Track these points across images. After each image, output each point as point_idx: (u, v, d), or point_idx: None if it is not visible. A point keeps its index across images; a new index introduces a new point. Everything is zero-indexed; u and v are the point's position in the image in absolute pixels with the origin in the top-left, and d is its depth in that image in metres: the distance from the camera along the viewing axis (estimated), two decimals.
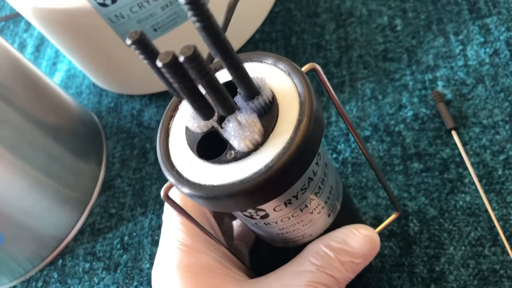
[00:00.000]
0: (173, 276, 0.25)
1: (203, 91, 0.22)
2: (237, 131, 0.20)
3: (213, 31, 0.17)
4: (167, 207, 0.29)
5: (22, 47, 0.64)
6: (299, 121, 0.20)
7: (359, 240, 0.26)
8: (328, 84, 0.24)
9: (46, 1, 0.42)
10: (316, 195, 0.25)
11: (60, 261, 0.45)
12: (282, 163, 0.20)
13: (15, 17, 0.67)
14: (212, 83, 0.18)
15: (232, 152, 0.21)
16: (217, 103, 0.19)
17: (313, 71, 0.23)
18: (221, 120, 0.21)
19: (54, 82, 0.53)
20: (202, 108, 0.19)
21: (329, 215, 0.27)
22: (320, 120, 0.21)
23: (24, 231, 0.44)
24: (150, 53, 0.19)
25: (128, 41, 0.19)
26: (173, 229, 0.27)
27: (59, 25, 0.45)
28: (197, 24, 0.17)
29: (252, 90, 0.20)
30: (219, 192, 0.20)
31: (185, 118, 0.23)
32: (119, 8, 0.41)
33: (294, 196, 0.23)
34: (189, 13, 0.17)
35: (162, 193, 0.23)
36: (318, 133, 0.21)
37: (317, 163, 0.24)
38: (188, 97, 0.19)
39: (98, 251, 0.44)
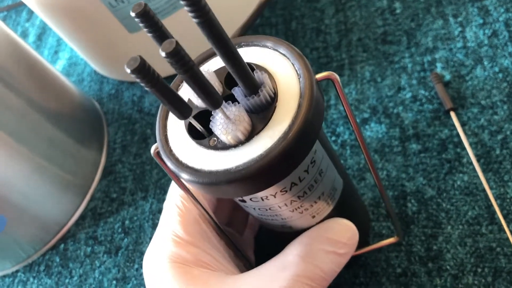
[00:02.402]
0: (163, 266, 0.26)
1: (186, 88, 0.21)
2: (221, 123, 0.20)
3: (211, 27, 0.17)
4: (169, 195, 0.29)
5: (24, 36, 0.64)
6: (290, 126, 0.20)
7: (341, 230, 0.26)
8: (345, 96, 0.23)
9: None
10: (299, 198, 0.24)
11: (62, 245, 0.46)
12: (251, 171, 0.19)
13: (17, 6, 0.67)
14: (195, 78, 0.18)
15: (215, 139, 0.21)
16: (201, 97, 0.19)
17: (329, 80, 0.22)
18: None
19: (56, 69, 0.53)
20: (178, 109, 0.19)
21: (313, 216, 0.26)
22: (313, 130, 0.20)
23: (26, 216, 0.44)
24: (154, 26, 0.19)
25: (132, 14, 0.18)
26: (170, 219, 0.27)
27: (60, 10, 0.45)
28: (195, 20, 0.17)
29: (251, 87, 0.20)
30: (191, 176, 0.21)
31: (188, 94, 0.23)
32: None
33: (272, 195, 0.23)
34: (187, 9, 0.16)
35: (152, 151, 0.23)
36: (306, 146, 0.21)
37: (306, 171, 0.23)
38: (162, 100, 0.18)
39: (100, 235, 0.45)
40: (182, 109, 0.19)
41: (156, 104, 0.50)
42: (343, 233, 0.26)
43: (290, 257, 0.25)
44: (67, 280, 0.43)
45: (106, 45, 0.48)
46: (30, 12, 0.66)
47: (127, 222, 0.44)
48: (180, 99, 0.19)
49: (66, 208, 0.47)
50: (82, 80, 0.56)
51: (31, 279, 0.45)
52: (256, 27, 0.49)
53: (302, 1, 0.49)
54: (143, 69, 0.17)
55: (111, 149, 0.49)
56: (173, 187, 0.29)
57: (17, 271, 0.47)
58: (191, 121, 0.21)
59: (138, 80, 0.17)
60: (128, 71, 0.16)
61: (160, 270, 0.26)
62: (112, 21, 0.44)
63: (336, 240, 0.26)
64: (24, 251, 0.46)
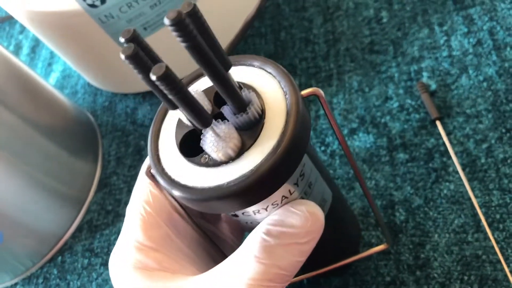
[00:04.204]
0: (126, 272, 0.26)
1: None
2: (212, 141, 0.21)
3: (198, 50, 0.18)
4: (132, 200, 0.29)
5: (18, 49, 0.64)
6: (279, 142, 0.20)
7: (299, 218, 0.23)
8: (330, 111, 0.23)
9: (37, 4, 0.42)
10: None
11: (60, 257, 0.47)
12: (243, 186, 0.20)
13: (10, 19, 0.68)
14: (185, 100, 0.18)
15: (207, 156, 0.22)
16: (191, 117, 0.19)
17: (314, 96, 0.23)
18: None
19: (50, 82, 0.54)
20: (198, 116, 0.20)
21: None
22: (301, 145, 0.21)
23: (23, 229, 0.45)
24: (144, 50, 0.20)
25: (121, 40, 0.19)
26: (132, 225, 0.27)
27: (51, 27, 0.46)
28: (183, 44, 0.17)
29: (239, 105, 0.21)
30: (184, 194, 0.21)
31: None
32: (108, 9, 0.42)
33: (263, 208, 0.24)
34: (175, 34, 0.17)
35: (144, 171, 0.24)
36: (295, 160, 0.21)
37: (295, 184, 0.24)
38: (183, 106, 0.19)
39: (96, 247, 0.45)
40: (203, 116, 0.20)
41: (149, 116, 0.51)
42: (303, 221, 0.23)
43: (246, 258, 0.23)
44: None
45: (97, 59, 0.49)
46: (23, 25, 0.66)
47: None
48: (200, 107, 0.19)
49: (63, 221, 0.47)
50: (76, 92, 0.57)
51: None
52: (246, 38, 0.50)
53: (290, 10, 0.50)
54: (169, 77, 0.17)
55: (106, 161, 0.50)
56: (135, 191, 0.29)
57: (16, 284, 0.47)
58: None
59: (162, 87, 0.17)
60: (154, 78, 0.17)
61: (124, 276, 0.26)
62: (103, 36, 0.44)
63: (294, 232, 0.23)
64: (22, 264, 0.47)
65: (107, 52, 0.47)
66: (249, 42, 0.50)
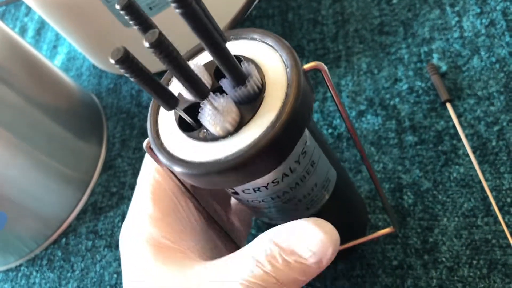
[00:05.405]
0: (137, 245, 0.26)
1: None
2: (210, 115, 0.20)
3: (193, 18, 0.17)
4: (142, 170, 0.28)
5: (23, 31, 0.64)
6: (278, 116, 0.20)
7: (309, 238, 0.22)
8: (333, 85, 0.23)
9: None
10: (292, 190, 0.24)
11: (64, 239, 0.46)
12: (241, 160, 0.19)
13: (16, 1, 0.67)
14: (179, 68, 0.18)
15: (205, 131, 0.21)
16: (187, 87, 0.19)
17: (317, 70, 0.22)
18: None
19: (55, 64, 0.53)
20: (163, 98, 0.19)
21: (307, 208, 0.26)
22: (301, 119, 0.20)
23: (28, 211, 0.45)
24: (140, 18, 0.19)
25: (117, 6, 0.18)
26: (143, 196, 0.27)
27: (56, 6, 0.45)
28: (178, 11, 0.17)
29: (238, 77, 0.20)
30: (182, 168, 0.21)
31: (178, 88, 0.23)
32: None
33: (264, 186, 0.23)
34: (169, 0, 0.16)
35: (144, 145, 0.24)
36: (295, 135, 0.21)
37: (297, 161, 0.23)
38: (147, 89, 0.18)
39: (100, 229, 0.45)
40: (167, 99, 0.19)
41: None
42: (311, 241, 0.22)
43: (248, 258, 0.22)
44: (69, 274, 0.44)
45: (102, 40, 0.48)
46: (29, 7, 0.66)
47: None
48: (164, 89, 0.19)
49: (67, 203, 0.47)
50: (81, 74, 0.56)
51: (34, 273, 0.46)
52: (253, 19, 0.49)
53: None
54: (127, 59, 0.17)
55: (111, 144, 0.50)
56: (145, 163, 0.28)
57: (20, 265, 0.47)
58: (180, 113, 0.21)
59: (122, 70, 0.17)
60: (112, 61, 0.16)
61: (135, 248, 0.26)
62: (108, 15, 0.44)
63: (298, 251, 0.22)
64: (27, 245, 0.46)
65: (113, 33, 0.46)
66: (257, 24, 0.49)
